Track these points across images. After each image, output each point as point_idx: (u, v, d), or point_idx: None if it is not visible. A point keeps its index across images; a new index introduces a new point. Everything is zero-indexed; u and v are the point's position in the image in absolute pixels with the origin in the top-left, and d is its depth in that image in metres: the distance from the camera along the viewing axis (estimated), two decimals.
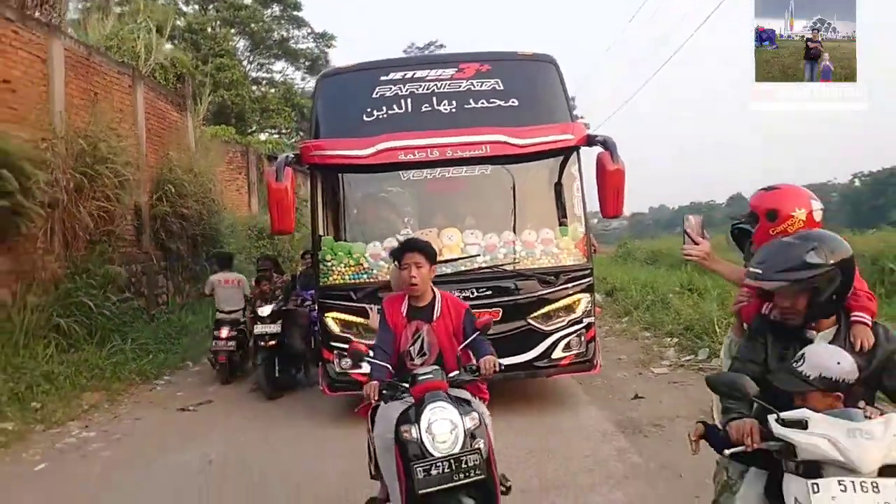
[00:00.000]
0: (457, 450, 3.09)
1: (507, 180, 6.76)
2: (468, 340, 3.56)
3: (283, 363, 8.11)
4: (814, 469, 2.15)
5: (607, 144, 6.58)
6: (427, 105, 6.94)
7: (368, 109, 6.94)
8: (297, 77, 40.25)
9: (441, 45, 57.96)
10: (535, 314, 6.47)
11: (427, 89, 7.03)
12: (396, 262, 3.74)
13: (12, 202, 7.55)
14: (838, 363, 2.28)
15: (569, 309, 6.56)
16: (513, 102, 6.92)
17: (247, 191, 19.84)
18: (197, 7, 34.80)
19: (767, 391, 2.38)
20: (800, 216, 2.99)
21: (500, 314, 6.36)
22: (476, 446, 3.13)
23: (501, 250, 6.55)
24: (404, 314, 3.67)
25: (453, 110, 6.91)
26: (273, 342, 7.87)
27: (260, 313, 7.99)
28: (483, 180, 6.88)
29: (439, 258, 5.60)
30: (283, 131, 34.28)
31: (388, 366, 3.54)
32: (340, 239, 6.76)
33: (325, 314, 6.51)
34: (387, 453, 3.33)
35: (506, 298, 6.44)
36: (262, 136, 32.95)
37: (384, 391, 3.36)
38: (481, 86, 7.11)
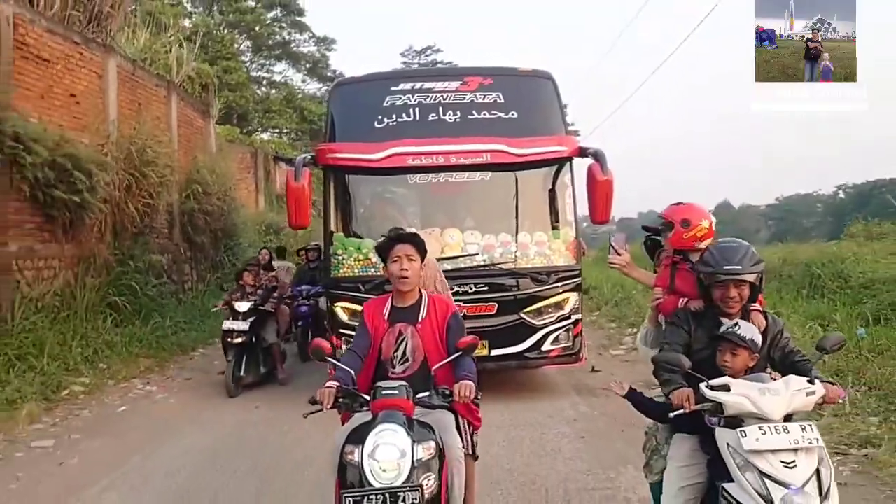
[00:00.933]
0: (398, 482, 2.70)
1: (505, 186, 7.25)
2: (449, 358, 3.16)
3: (252, 360, 8.12)
4: (736, 422, 2.68)
5: (598, 156, 7.14)
6: (434, 114, 7.45)
7: (380, 117, 7.45)
8: (296, 79, 41.71)
9: (438, 50, 59.05)
10: (528, 310, 7.02)
11: (434, 100, 7.54)
12: (382, 259, 3.40)
13: (81, 199, 9.02)
14: (755, 335, 2.95)
15: (558, 306, 7.11)
16: (512, 114, 7.46)
17: (255, 189, 21.33)
18: (201, 9, 36.13)
19: (692, 367, 2.93)
20: (705, 225, 3.70)
21: (496, 308, 6.97)
22: (420, 482, 2.73)
23: (498, 250, 7.09)
24: (386, 317, 3.33)
25: (457, 120, 7.42)
26: (241, 339, 7.80)
27: (236, 308, 7.92)
28: (483, 185, 7.35)
29: (441, 256, 6.51)
30: (284, 131, 35.75)
31: (352, 371, 3.12)
32: (350, 235, 7.29)
33: (335, 303, 7.07)
34: (330, 476, 2.96)
35: (501, 294, 6.99)
36: (265, 136, 34.42)
37: (341, 399, 2.99)
38: (484, 98, 7.59)
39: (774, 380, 2.82)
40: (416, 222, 7.36)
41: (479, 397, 3.08)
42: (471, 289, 6.92)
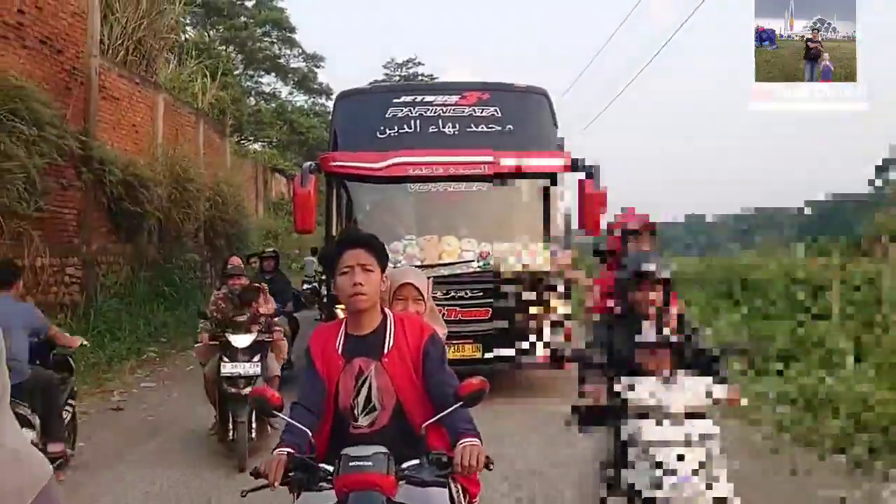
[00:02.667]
0: None
1: (500, 197, 7.69)
2: (445, 412, 2.19)
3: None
4: (643, 415, 3.02)
5: (590, 170, 7.51)
6: (434, 127, 7.83)
7: (382, 127, 7.82)
8: (284, 91, 43.95)
9: (419, 63, 61.54)
10: (520, 315, 7.34)
11: (434, 112, 7.90)
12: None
13: (142, 209, 11.38)
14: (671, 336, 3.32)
15: (549, 311, 7.41)
16: (508, 128, 7.85)
17: (255, 197, 23.68)
18: (198, 25, 38.25)
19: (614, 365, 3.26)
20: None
21: (490, 313, 7.36)
22: None
23: (493, 257, 7.43)
24: (340, 350, 2.40)
25: (456, 132, 7.79)
26: (249, 389, 5.22)
27: (234, 343, 5.62)
28: (480, 195, 7.72)
29: (438, 262, 7.26)
30: (274, 142, 37.98)
31: (308, 430, 2.22)
32: None
33: (337, 307, 6.90)
34: None
35: (495, 299, 7.37)
36: (257, 146, 36.61)
37: (293, 473, 2.15)
38: (481, 112, 7.91)
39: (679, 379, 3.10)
40: (415, 229, 7.75)
41: (492, 465, 2.13)
42: (466, 294, 7.31)
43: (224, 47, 36.74)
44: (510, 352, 7.33)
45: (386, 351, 2.39)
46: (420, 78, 60.66)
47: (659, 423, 2.97)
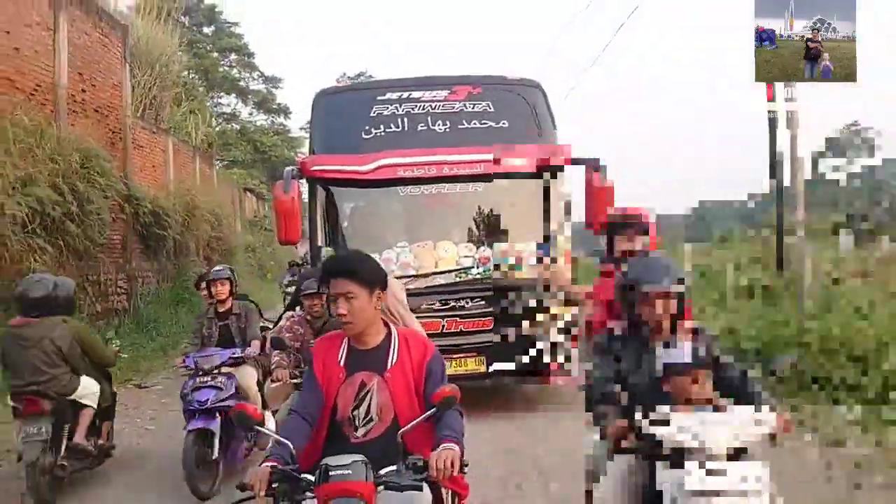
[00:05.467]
0: None
1: (498, 197, 7.25)
2: (420, 418, 2.40)
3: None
4: (677, 454, 2.50)
5: (595, 165, 7.03)
6: (423, 125, 7.37)
7: (367, 127, 7.35)
8: (244, 111, 46.48)
9: (371, 76, 64.50)
10: (525, 323, 6.84)
11: (422, 109, 7.43)
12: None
13: (165, 233, 14.35)
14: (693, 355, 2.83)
15: (555, 318, 6.89)
16: (503, 124, 7.42)
17: (232, 215, 26.56)
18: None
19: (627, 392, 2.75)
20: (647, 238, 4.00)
21: (493, 323, 6.88)
22: None
23: (493, 263, 6.95)
24: (342, 362, 2.53)
25: (447, 130, 7.33)
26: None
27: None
28: (476, 196, 7.29)
29: (434, 270, 6.84)
30: (239, 161, 40.54)
31: (290, 443, 2.34)
32: (339, 250, 6.97)
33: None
34: None
35: (497, 308, 6.87)
36: (218, 165, 39.13)
37: (276, 485, 2.25)
38: (473, 107, 7.46)
39: (719, 408, 2.60)
40: (408, 235, 7.32)
41: (467, 466, 2.32)
42: (467, 303, 6.92)
43: (187, 72, 39.17)
44: (514, 364, 6.91)
45: (389, 366, 2.49)
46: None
47: (704, 469, 2.47)
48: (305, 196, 7.85)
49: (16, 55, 9.90)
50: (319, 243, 7.15)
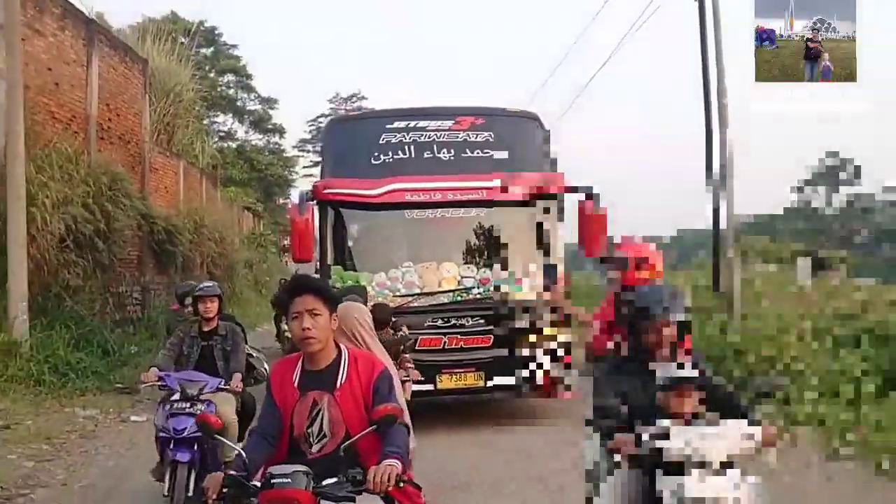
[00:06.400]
0: None
1: (498, 221, 7.64)
2: (358, 436, 2.57)
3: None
4: (676, 465, 2.76)
5: (588, 192, 7.44)
6: (429, 152, 7.82)
7: (376, 154, 7.78)
8: (240, 130, 47.70)
9: (363, 97, 65.57)
10: (522, 341, 7.30)
11: (428, 138, 7.87)
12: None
13: (176, 250, 15.52)
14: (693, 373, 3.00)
15: (550, 338, 7.36)
16: (503, 153, 7.87)
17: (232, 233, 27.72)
18: None
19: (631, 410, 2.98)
20: (659, 267, 4.27)
21: (492, 341, 7.31)
22: None
23: (492, 283, 7.38)
24: (296, 384, 2.70)
25: (452, 157, 7.80)
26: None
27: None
28: (477, 221, 7.71)
29: (437, 289, 7.39)
30: (235, 180, 41.66)
31: (244, 454, 2.56)
32: (348, 269, 7.46)
33: None
34: None
35: (496, 326, 7.32)
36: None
37: (226, 490, 2.41)
38: (476, 137, 7.88)
39: (711, 423, 2.88)
40: (413, 256, 7.72)
41: (404, 481, 2.43)
42: (468, 321, 7.33)
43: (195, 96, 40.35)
44: (511, 380, 7.30)
45: (339, 385, 2.65)
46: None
47: (701, 478, 2.73)
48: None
49: (56, 90, 11.14)
50: (329, 262, 7.54)
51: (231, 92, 45.53)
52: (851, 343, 7.68)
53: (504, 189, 7.31)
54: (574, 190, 7.59)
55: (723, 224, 9.85)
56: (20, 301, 9.02)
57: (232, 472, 2.49)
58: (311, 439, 2.66)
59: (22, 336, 8.94)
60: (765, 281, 11.09)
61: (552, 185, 7.55)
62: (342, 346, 2.79)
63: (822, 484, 5.51)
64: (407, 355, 5.62)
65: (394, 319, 5.78)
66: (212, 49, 44.48)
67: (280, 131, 48.76)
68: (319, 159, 11.32)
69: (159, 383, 4.90)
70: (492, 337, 7.35)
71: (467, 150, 7.94)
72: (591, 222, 7.42)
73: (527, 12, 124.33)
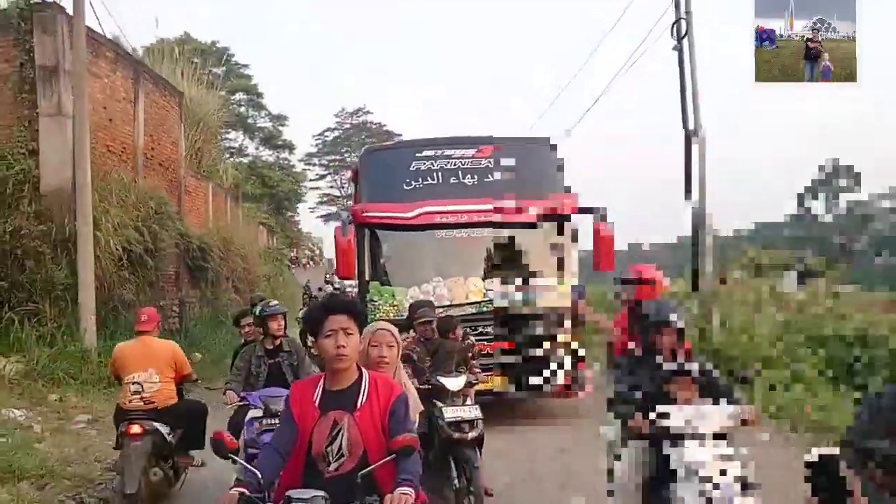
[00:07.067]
0: None
1: (518, 239, 8.34)
2: (378, 463, 2.67)
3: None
4: (679, 437, 3.62)
5: (599, 213, 8.24)
6: (455, 178, 8.65)
7: (407, 180, 8.61)
8: (250, 146, 49.09)
9: (368, 112, 66.84)
10: (541, 346, 7.99)
11: (454, 165, 8.68)
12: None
13: (207, 266, 16.81)
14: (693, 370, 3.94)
15: (566, 344, 8.12)
16: (521, 178, 8.55)
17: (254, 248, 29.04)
18: None
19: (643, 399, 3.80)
20: (666, 284, 5.46)
21: (515, 345, 8.09)
22: None
23: (513, 295, 8.03)
24: (317, 403, 2.79)
25: (475, 183, 8.62)
26: (476, 433, 5.37)
27: (448, 387, 5.47)
28: (500, 239, 8.43)
29: (466, 301, 8.06)
30: (248, 196, 43.00)
31: (258, 473, 2.64)
32: (385, 284, 8.38)
33: None
34: None
35: (517, 334, 8.07)
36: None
37: None
38: (496, 164, 8.64)
39: (705, 405, 3.71)
40: (442, 271, 8.48)
41: None
42: (492, 329, 8.10)
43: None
44: (533, 381, 8.04)
45: (359, 405, 2.75)
46: (370, 125, 66.45)
47: (699, 445, 3.54)
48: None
49: (110, 125, 12.48)
50: (367, 277, 8.40)
51: (242, 110, 46.94)
52: (816, 344, 8.95)
53: (521, 210, 8.14)
54: (587, 211, 8.40)
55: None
56: (90, 315, 10.31)
57: (246, 492, 2.56)
58: (330, 458, 2.74)
59: (92, 345, 10.22)
60: (748, 290, 12.35)
61: (566, 207, 8.38)
62: (363, 369, 2.90)
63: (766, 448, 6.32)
64: (475, 361, 6.03)
65: (460, 329, 6.16)
66: (223, 68, 46.04)
67: (290, 147, 50.15)
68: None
69: (242, 402, 5.30)
70: (515, 343, 8.09)
71: (489, 176, 8.73)
72: (603, 241, 8.28)
73: (528, 36, 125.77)
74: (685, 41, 10.02)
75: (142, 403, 5.54)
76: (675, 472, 3.54)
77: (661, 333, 3.91)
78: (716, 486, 3.41)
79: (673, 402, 3.74)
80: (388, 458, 2.65)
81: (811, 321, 9.64)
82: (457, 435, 5.12)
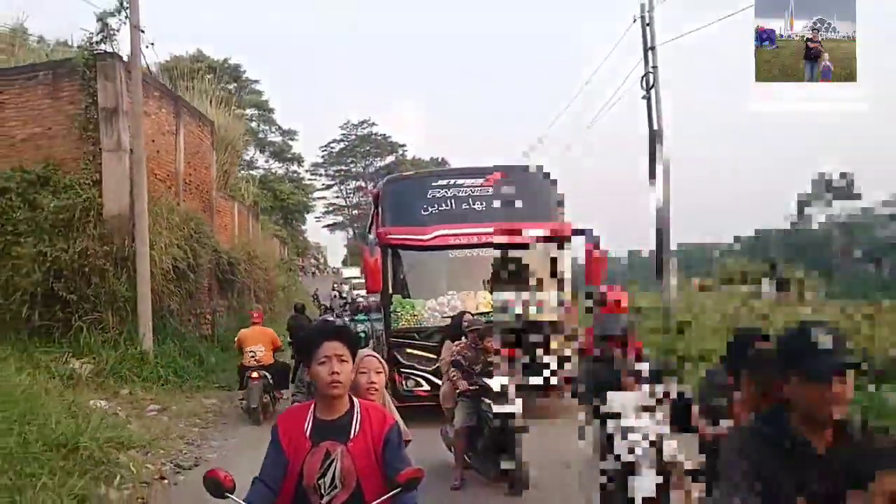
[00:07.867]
0: None
1: (522, 259, 8.61)
2: (385, 497, 2.65)
3: None
4: (615, 416, 4.58)
5: (590, 236, 9.16)
6: (465, 204, 9.81)
7: (425, 206, 9.77)
8: (260, 159, 50.87)
9: (373, 123, 68.53)
10: (543, 351, 8.28)
11: (465, 193, 9.86)
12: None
13: (235, 278, 18.53)
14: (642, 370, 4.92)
15: (564, 350, 8.48)
16: (522, 203, 9.52)
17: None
18: None
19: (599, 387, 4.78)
20: (624, 305, 5.82)
21: (518, 351, 8.26)
22: None
23: (519, 307, 8.28)
24: (308, 433, 2.72)
25: (483, 208, 9.76)
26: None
27: (494, 387, 6.68)
28: (504, 259, 8.61)
29: (476, 311, 9.00)
30: (262, 209, 44.77)
31: None
32: (406, 297, 9.60)
33: (395, 350, 9.43)
34: None
35: (524, 340, 8.27)
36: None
37: None
38: (501, 191, 9.67)
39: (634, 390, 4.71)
40: (455, 286, 9.61)
41: None
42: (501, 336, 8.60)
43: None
44: (538, 380, 8.31)
45: (352, 436, 2.68)
46: (374, 136, 68.17)
47: (627, 417, 4.53)
48: None
49: (157, 156, 14.21)
50: (390, 291, 9.68)
51: (253, 124, 48.73)
52: None
53: (522, 233, 8.82)
54: (580, 233, 9.34)
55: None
56: (147, 322, 12.02)
57: None
58: (323, 490, 2.66)
59: (149, 348, 11.92)
60: (712, 300, 14.13)
61: (562, 231, 9.30)
62: (354, 398, 2.82)
63: None
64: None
65: (488, 338, 7.06)
66: (234, 84, 47.84)
67: (299, 160, 51.94)
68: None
69: None
70: (519, 348, 8.56)
71: (495, 202, 9.99)
72: (595, 261, 9.36)
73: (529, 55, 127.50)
74: (652, 91, 11.75)
75: (255, 363, 10.25)
76: (612, 436, 4.58)
77: (611, 340, 5.13)
78: (630, 429, 4.47)
79: (622, 389, 4.74)
80: (393, 492, 2.64)
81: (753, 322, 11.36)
82: (502, 425, 6.22)
